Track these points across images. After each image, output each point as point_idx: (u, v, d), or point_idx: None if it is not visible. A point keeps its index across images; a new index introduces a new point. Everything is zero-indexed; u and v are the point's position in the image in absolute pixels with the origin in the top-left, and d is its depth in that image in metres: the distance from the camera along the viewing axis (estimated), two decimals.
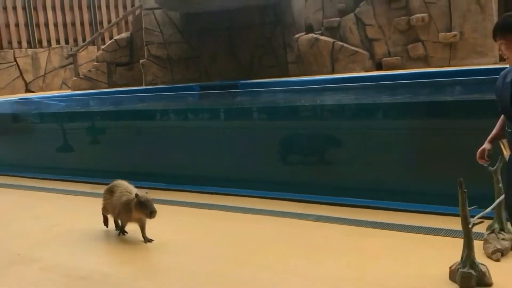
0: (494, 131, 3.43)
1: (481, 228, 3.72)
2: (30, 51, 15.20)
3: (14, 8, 15.24)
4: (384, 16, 8.40)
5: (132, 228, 4.75)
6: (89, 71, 12.05)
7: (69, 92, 11.80)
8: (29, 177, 8.15)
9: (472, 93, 6.25)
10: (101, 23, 16.14)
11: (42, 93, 12.98)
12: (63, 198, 6.74)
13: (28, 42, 15.49)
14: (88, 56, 14.66)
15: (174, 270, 3.95)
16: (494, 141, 3.44)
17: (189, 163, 6.99)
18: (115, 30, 15.14)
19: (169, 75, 10.50)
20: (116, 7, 16.44)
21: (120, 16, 14.68)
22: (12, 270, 4.12)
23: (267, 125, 6.85)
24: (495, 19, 7.71)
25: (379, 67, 8.50)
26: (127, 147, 7.67)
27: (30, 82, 15.06)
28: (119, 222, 4.87)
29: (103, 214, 5.03)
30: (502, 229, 3.97)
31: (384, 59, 8.42)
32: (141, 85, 10.54)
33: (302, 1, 9.70)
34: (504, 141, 3.50)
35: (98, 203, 6.28)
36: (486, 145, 3.47)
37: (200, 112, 7.78)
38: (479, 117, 5.25)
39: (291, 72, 9.84)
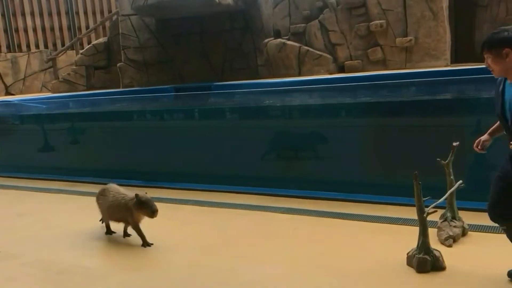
0: (494, 127, 3.43)
1: (434, 217, 3.79)
2: (9, 55, 14.82)
3: None
4: (346, 22, 8.48)
5: (114, 226, 4.69)
6: (68, 74, 11.81)
7: (49, 94, 11.53)
8: (11, 176, 7.96)
9: (426, 93, 6.35)
10: (80, 28, 15.83)
11: (22, 95, 12.65)
12: (44, 196, 6.60)
13: (8, 47, 15.11)
14: (67, 60, 14.37)
15: (152, 262, 3.92)
16: (493, 135, 3.43)
17: (165, 161, 6.93)
18: (93, 35, 14.89)
19: (145, 77, 10.38)
20: (94, 13, 16.14)
21: (98, 22, 14.43)
22: None
23: (239, 124, 6.84)
24: (447, 25, 7.86)
25: (341, 69, 8.57)
26: (106, 147, 7.56)
27: (10, 85, 14.69)
28: (133, 228, 4.43)
29: (102, 219, 4.76)
30: (454, 217, 4.07)
31: (346, 62, 8.50)
32: (119, 88, 10.39)
33: (270, 8, 9.72)
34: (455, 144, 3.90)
35: (79, 200, 6.21)
36: (485, 137, 3.45)
37: (175, 112, 7.72)
38: (432, 115, 5.37)
39: (261, 74, 9.84)
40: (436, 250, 3.44)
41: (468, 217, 4.22)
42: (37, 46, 15.51)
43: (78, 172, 7.57)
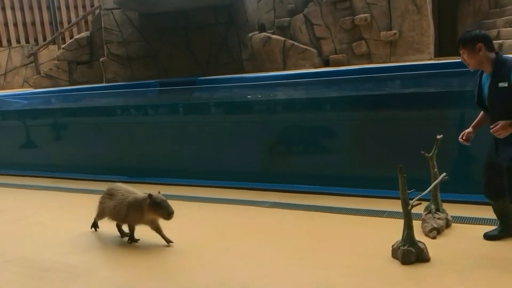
0: (477, 120, 3.71)
1: (419, 209, 3.82)
2: None
3: None
4: (331, 16, 8.49)
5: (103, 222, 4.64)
6: (50, 69, 11.64)
7: (31, 90, 11.36)
8: None
9: (410, 86, 6.41)
10: (61, 23, 15.61)
11: (3, 91, 12.45)
12: (26, 192, 6.51)
13: None
14: (49, 55, 14.16)
15: (137, 258, 3.89)
16: (476, 127, 3.70)
17: (149, 157, 6.89)
18: (75, 29, 14.69)
19: (129, 72, 10.29)
20: (76, 7, 15.92)
21: (80, 16, 14.23)
22: None
23: (224, 118, 6.82)
24: (430, 19, 7.92)
25: (326, 63, 8.59)
26: (89, 143, 7.48)
27: None
28: (128, 227, 4.23)
29: (96, 220, 4.52)
30: (438, 209, 4.10)
31: (331, 56, 8.52)
32: (102, 83, 10.28)
33: (255, 2, 9.69)
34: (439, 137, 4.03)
35: (62, 196, 6.14)
36: (469, 129, 3.71)
37: (160, 107, 7.66)
38: (416, 108, 5.40)
39: (246, 69, 9.82)
40: (420, 242, 3.47)
41: (452, 209, 4.27)
42: (18, 41, 15.26)
43: (61, 169, 7.48)
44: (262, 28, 9.44)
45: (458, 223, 4.17)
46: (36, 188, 6.69)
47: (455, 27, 8.85)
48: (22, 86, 14.28)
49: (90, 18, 13.02)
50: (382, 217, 4.45)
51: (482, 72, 3.47)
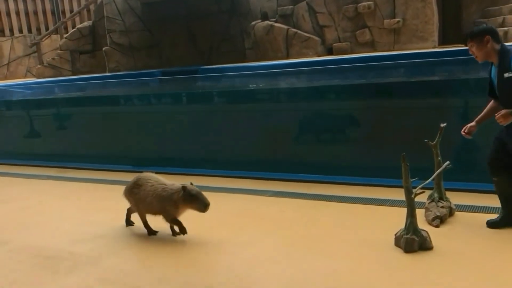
0: (481, 114, 3.81)
1: (422, 198, 3.82)
2: None
3: None
4: (334, 4, 8.43)
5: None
6: (53, 59, 11.63)
7: (34, 79, 11.37)
8: None
9: (413, 74, 6.37)
10: (63, 12, 15.57)
11: (7, 81, 12.46)
12: (30, 182, 6.53)
13: None
14: (52, 44, 14.14)
15: (137, 246, 3.91)
16: (480, 122, 3.80)
17: (153, 146, 6.90)
18: (77, 19, 14.64)
19: (132, 62, 10.27)
20: None
21: (82, 5, 14.18)
22: None
23: (227, 107, 6.81)
24: (434, 7, 7.86)
25: (330, 51, 8.55)
26: (93, 132, 7.49)
27: None
28: (166, 219, 3.96)
29: (129, 215, 4.30)
30: (441, 198, 4.10)
31: (335, 44, 8.47)
32: (105, 72, 10.27)
33: None
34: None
35: (66, 186, 6.16)
36: (472, 123, 3.81)
37: (162, 97, 7.66)
38: (420, 96, 5.38)
39: (249, 58, 9.79)
40: (423, 230, 3.47)
41: (456, 198, 4.26)
42: (20, 31, 15.24)
43: (65, 158, 7.50)
44: (264, 17, 9.39)
45: (462, 211, 4.16)
46: (40, 177, 6.72)
47: (460, 15, 8.77)
48: (25, 76, 14.29)
49: (92, 7, 12.98)
50: (385, 205, 4.45)
51: (492, 63, 3.65)
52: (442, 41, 8.33)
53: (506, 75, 3.44)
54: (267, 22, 9.10)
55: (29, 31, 15.34)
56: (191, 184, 3.85)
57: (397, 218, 3.75)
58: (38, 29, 15.41)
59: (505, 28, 7.17)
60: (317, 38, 8.58)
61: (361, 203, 4.56)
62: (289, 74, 7.38)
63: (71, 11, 15.12)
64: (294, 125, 5.99)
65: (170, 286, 3.15)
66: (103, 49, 10.38)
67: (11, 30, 15.14)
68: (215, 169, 6.19)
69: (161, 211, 3.91)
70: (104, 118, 7.54)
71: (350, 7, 8.25)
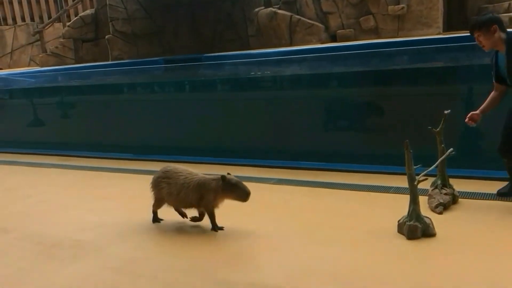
0: (484, 105, 3.94)
1: (425, 185, 3.82)
2: None
3: None
4: None
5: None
6: (56, 47, 11.62)
7: (37, 68, 11.36)
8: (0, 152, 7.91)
9: (418, 61, 6.31)
10: (66, 0, 15.51)
11: (10, 69, 12.47)
12: (34, 170, 6.57)
13: None
14: (55, 33, 14.11)
15: (141, 234, 3.93)
16: (484, 112, 3.91)
17: (155, 134, 6.91)
18: (80, 6, 14.59)
19: (135, 50, 10.24)
20: None
21: None
22: None
23: (232, 95, 6.80)
24: None
25: (333, 39, 8.49)
26: (95, 120, 7.50)
27: None
28: (207, 213, 3.86)
29: (156, 211, 4.10)
30: (444, 185, 4.09)
31: (338, 31, 8.41)
32: (108, 60, 10.25)
33: None
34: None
35: (70, 174, 6.19)
36: (476, 111, 3.92)
37: (166, 85, 7.64)
38: (424, 83, 5.35)
39: (252, 45, 9.73)
40: (426, 217, 3.47)
41: (459, 185, 4.26)
42: (23, 19, 15.21)
43: (69, 146, 7.53)
44: (268, 4, 9.32)
45: (465, 198, 4.16)
46: (44, 166, 6.75)
47: (464, 1, 8.68)
48: (28, 65, 14.29)
49: None
50: (388, 192, 4.44)
51: (496, 51, 3.79)
52: (447, 28, 8.25)
53: None
54: (270, 9, 9.04)
55: (32, 19, 15.31)
56: (228, 174, 3.76)
57: (400, 205, 3.75)
58: (41, 18, 15.38)
59: (511, 14, 7.09)
60: (320, 25, 8.52)
61: (364, 191, 4.56)
62: (293, 61, 7.33)
63: None
64: (297, 112, 5.98)
65: (174, 273, 3.17)
66: (106, 37, 10.35)
67: (14, 19, 15.12)
68: (220, 157, 6.21)
69: (198, 203, 3.80)
70: (107, 106, 7.54)
71: None
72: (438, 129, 4.02)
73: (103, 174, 6.05)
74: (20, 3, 15.18)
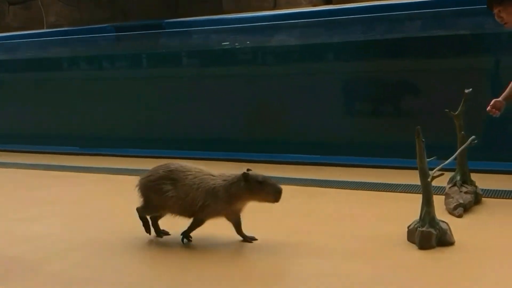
0: (507, 92, 4.14)
1: (442, 182, 3.86)
2: None
3: None
4: None
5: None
6: None
7: None
8: None
9: (433, 28, 6.35)
10: None
11: None
12: None
13: None
14: None
15: (89, 248, 3.91)
16: (508, 99, 4.12)
17: (103, 124, 6.89)
18: None
19: (77, 14, 10.12)
20: None
21: None
22: None
23: (201, 72, 6.79)
24: None
25: (327, 0, 8.52)
26: (27, 105, 7.42)
27: None
28: (194, 221, 3.76)
29: (157, 221, 3.96)
30: (465, 181, 4.15)
31: None
32: (42, 28, 10.12)
33: None
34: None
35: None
36: (499, 98, 4.12)
37: (114, 59, 7.59)
38: (439, 55, 5.41)
39: (226, 9, 9.70)
40: (443, 221, 3.51)
41: (483, 181, 4.33)
42: None
43: None
44: None
45: (490, 197, 4.25)
46: None
47: None
48: None
49: None
50: (396, 191, 4.50)
51: None
52: None
53: None
54: None
55: None
56: (248, 170, 3.65)
57: (410, 207, 3.79)
58: None
59: None
60: None
61: (365, 189, 4.61)
62: (277, 28, 7.34)
63: None
64: (282, 92, 6.00)
65: None
66: None
67: None
68: (183, 150, 6.21)
69: (216, 211, 3.68)
70: (43, 88, 7.47)
71: None
72: (457, 112, 4.08)
73: (41, 173, 6.01)
74: None
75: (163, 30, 8.24)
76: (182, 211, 3.76)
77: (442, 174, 3.48)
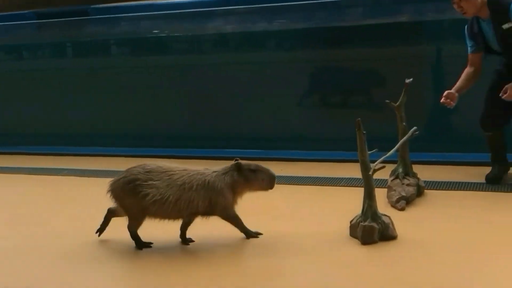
0: (459, 84, 4.36)
1: (384, 174, 3.97)
2: None
3: None
4: None
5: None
6: None
7: None
8: None
9: (378, 15, 6.44)
10: None
11: None
12: None
13: None
14: None
15: (24, 256, 3.82)
16: (460, 92, 4.32)
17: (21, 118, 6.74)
18: None
19: None
20: None
21: None
22: None
23: (130, 62, 6.71)
24: None
25: None
26: None
27: None
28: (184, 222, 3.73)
29: (135, 230, 3.72)
30: (407, 173, 4.27)
31: None
32: None
33: None
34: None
35: None
36: (451, 90, 4.30)
37: (35, 49, 7.41)
38: (381, 43, 5.50)
39: None
40: (385, 215, 3.59)
41: (425, 173, 4.47)
42: None
43: None
44: None
45: (432, 189, 4.39)
46: None
47: None
48: None
49: None
50: (338, 185, 4.57)
51: (477, 19, 4.26)
52: None
53: (505, 26, 4.08)
54: None
55: None
56: (237, 160, 3.68)
57: (353, 201, 3.85)
58: None
59: None
60: None
61: (307, 184, 4.66)
62: (213, 15, 7.33)
63: None
64: (220, 84, 6.01)
65: None
66: None
67: None
68: (116, 147, 6.17)
69: (211, 208, 3.64)
70: None
71: None
72: (397, 103, 4.18)
73: None
74: None
75: (89, 16, 8.09)
76: (173, 215, 3.64)
77: (383, 167, 3.56)
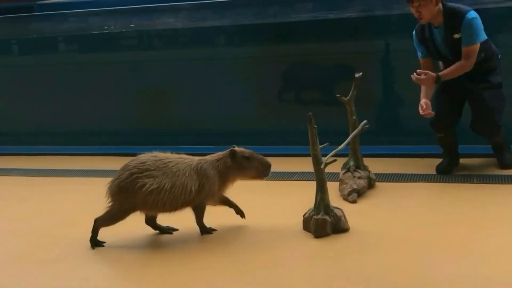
0: (423, 91, 4.39)
1: (336, 168, 4.04)
2: None
3: None
4: None
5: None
6: None
7: None
8: None
9: (327, 10, 6.52)
10: None
11: None
12: None
13: None
14: None
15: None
16: (429, 98, 4.38)
17: None
18: None
19: None
20: None
21: None
22: None
23: (78, 59, 6.63)
24: None
25: None
26: None
27: None
28: (196, 211, 3.78)
29: (98, 229, 3.72)
30: (358, 166, 4.37)
31: None
32: None
33: None
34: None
35: None
36: (425, 100, 4.34)
37: None
38: (331, 39, 5.58)
39: None
40: (337, 208, 3.67)
41: (376, 166, 4.58)
42: None
43: None
44: None
45: (383, 181, 4.49)
46: None
47: None
48: None
49: None
50: (290, 180, 4.63)
51: (429, 25, 4.40)
52: None
53: (456, 36, 4.27)
54: None
55: None
56: (234, 147, 3.77)
57: (305, 195, 3.91)
58: None
59: None
60: None
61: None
62: (163, 11, 7.29)
63: None
64: (173, 81, 6.01)
65: None
66: None
67: None
68: (61, 145, 6.12)
69: (206, 194, 3.69)
70: None
71: None
72: (348, 97, 4.26)
73: None
74: None
75: (34, 13, 7.95)
76: (168, 204, 3.62)
77: (335, 160, 3.62)
